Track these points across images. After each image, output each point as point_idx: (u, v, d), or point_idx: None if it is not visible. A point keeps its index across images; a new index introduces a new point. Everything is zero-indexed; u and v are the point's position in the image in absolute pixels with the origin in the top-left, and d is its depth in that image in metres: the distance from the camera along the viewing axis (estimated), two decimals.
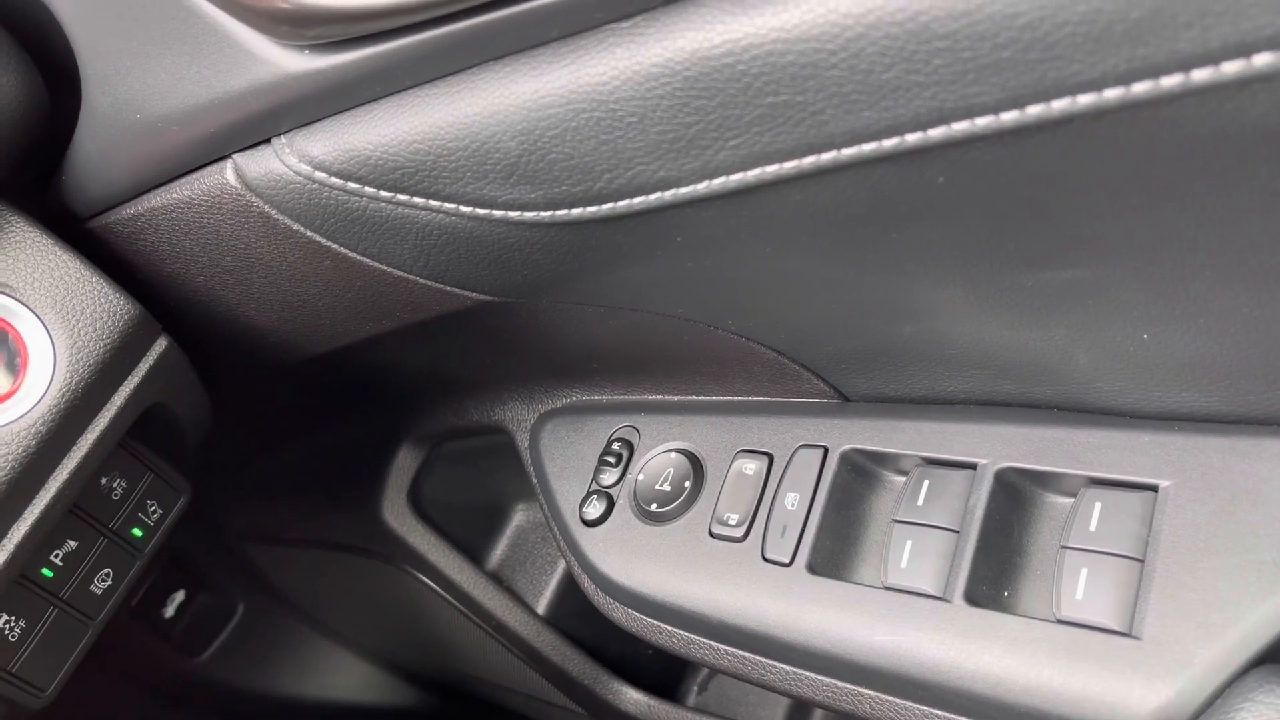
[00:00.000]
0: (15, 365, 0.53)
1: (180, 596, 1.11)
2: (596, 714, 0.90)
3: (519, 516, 0.91)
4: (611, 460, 0.66)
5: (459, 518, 0.88)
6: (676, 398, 0.67)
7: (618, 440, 0.67)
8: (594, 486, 0.66)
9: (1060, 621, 0.48)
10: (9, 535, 0.53)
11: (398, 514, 0.84)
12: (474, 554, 0.88)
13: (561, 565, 0.89)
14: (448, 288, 0.55)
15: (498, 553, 0.90)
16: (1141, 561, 0.47)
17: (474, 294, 0.56)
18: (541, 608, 0.88)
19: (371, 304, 0.58)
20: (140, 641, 1.12)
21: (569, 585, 0.89)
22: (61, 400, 0.54)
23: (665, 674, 0.90)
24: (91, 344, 0.55)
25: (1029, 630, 0.48)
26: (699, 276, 0.51)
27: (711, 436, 0.63)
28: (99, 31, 0.50)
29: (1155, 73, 0.31)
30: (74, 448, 0.55)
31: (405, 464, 0.84)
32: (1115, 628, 0.46)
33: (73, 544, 0.61)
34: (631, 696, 0.88)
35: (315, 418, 0.84)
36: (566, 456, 0.69)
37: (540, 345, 0.66)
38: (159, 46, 0.48)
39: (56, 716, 0.69)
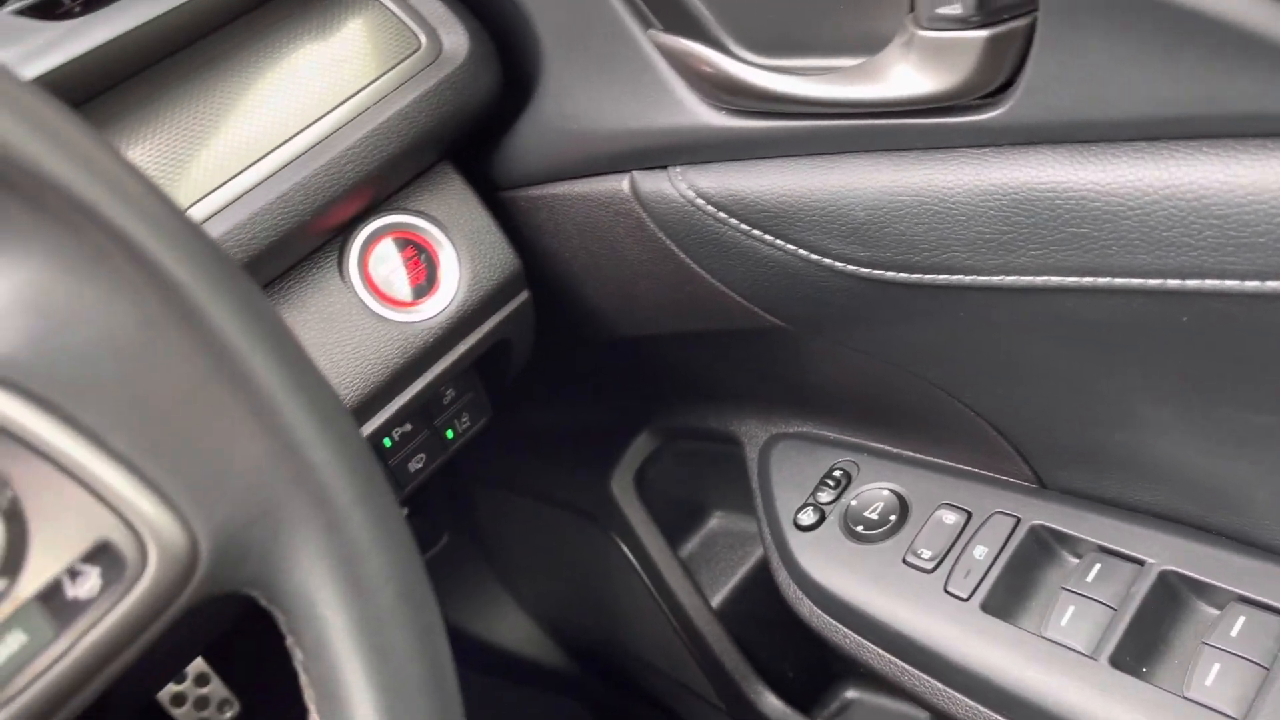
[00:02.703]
0: (433, 279, 0.72)
1: (404, 512, 1.30)
2: (733, 710, 1.03)
3: (714, 521, 1.05)
4: (831, 484, 0.79)
5: (667, 506, 1.03)
6: (896, 450, 0.80)
7: (839, 469, 0.80)
8: (811, 500, 0.79)
9: (1187, 699, 0.58)
10: (391, 404, 0.71)
11: (623, 488, 1.00)
12: (671, 541, 1.03)
13: (742, 571, 1.02)
14: (755, 308, 0.70)
15: (689, 546, 1.04)
16: (1267, 670, 0.57)
17: (773, 318, 0.71)
18: (715, 603, 1.02)
19: (689, 307, 0.74)
20: None
21: (743, 590, 1.02)
22: (456, 316, 0.71)
23: (801, 693, 1.01)
24: (485, 280, 0.73)
25: (1159, 699, 0.59)
26: (961, 350, 0.64)
27: (922, 486, 0.76)
28: (568, 60, 0.68)
29: None
30: (449, 353, 0.73)
31: (641, 447, 1.00)
32: (1233, 715, 0.57)
33: (408, 427, 0.78)
34: (771, 701, 1.00)
35: (586, 387, 1.00)
36: (791, 471, 0.83)
37: (798, 375, 0.80)
38: (610, 80, 0.65)
39: None
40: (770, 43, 0.61)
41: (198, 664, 1.39)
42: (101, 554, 0.34)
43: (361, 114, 0.67)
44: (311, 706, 0.39)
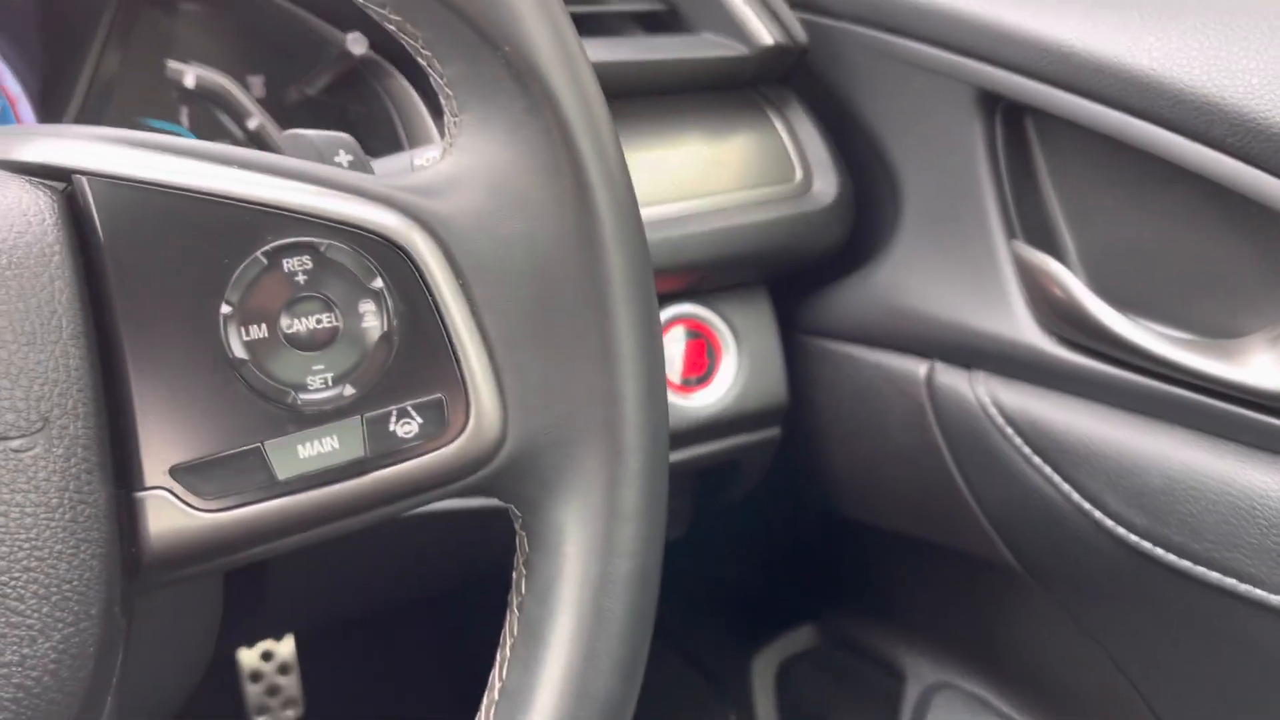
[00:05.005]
0: (706, 378, 0.75)
1: None
2: None
3: None
4: None
5: (797, 709, 0.99)
6: None
7: None
8: None
9: None
10: None
11: (764, 672, 0.97)
12: None
13: None
14: (996, 538, 0.69)
15: None
16: None
17: (1008, 554, 0.69)
18: None
19: (926, 511, 0.73)
20: None
21: None
22: (710, 419, 0.74)
23: None
24: (751, 401, 0.75)
25: None
26: (1191, 661, 0.61)
27: None
28: (921, 241, 0.71)
29: None
30: (688, 449, 0.75)
31: (797, 639, 0.97)
32: None
33: None
34: None
35: (771, 550, 1.00)
36: None
37: (997, 625, 0.77)
38: (955, 273, 0.68)
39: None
40: (1122, 293, 0.62)
41: (288, 653, 1.41)
42: (431, 409, 0.37)
43: (719, 211, 0.73)
44: (508, 640, 0.39)
